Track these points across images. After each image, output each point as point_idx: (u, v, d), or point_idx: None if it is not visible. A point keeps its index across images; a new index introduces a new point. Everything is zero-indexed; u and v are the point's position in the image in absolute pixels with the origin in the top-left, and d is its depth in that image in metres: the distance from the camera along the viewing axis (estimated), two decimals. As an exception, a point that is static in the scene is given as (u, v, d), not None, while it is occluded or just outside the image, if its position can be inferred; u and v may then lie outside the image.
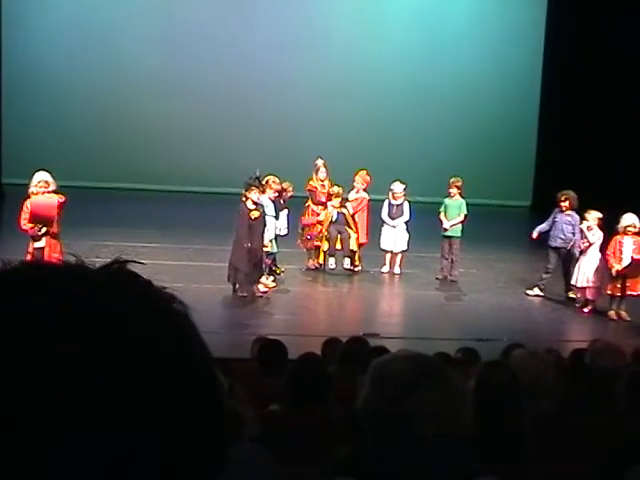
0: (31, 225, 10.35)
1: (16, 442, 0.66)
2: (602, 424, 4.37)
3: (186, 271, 12.33)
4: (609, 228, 11.85)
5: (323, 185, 13.72)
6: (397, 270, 13.64)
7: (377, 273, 13.56)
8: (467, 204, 13.40)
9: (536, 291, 12.66)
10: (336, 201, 13.37)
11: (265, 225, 11.82)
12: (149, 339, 0.72)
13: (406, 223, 13.62)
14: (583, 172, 17.57)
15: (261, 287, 11.83)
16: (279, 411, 4.89)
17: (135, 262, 0.79)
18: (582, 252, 12.00)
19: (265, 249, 11.94)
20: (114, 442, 0.68)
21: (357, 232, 13.42)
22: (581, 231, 12.05)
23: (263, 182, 12.13)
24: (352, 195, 13.81)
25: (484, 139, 21.12)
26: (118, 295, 0.74)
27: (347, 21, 20.99)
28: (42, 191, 10.38)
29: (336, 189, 13.47)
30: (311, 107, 20.85)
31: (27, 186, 10.56)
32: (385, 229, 13.61)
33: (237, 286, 11.71)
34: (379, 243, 13.58)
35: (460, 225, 13.29)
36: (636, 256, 11.46)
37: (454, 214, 13.28)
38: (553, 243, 12.42)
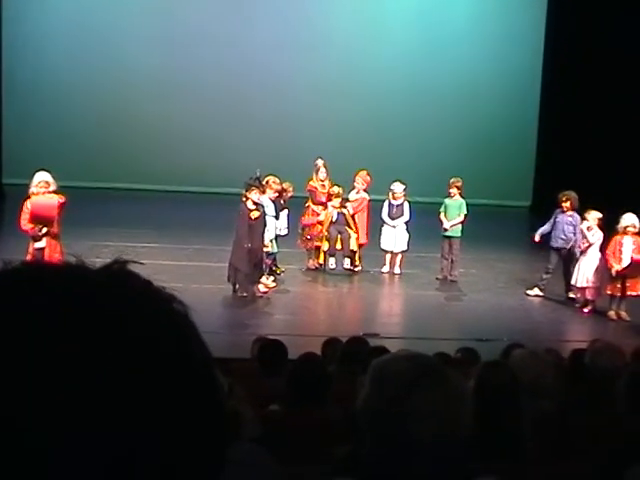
0: (31, 225, 10.35)
1: (16, 442, 0.66)
2: (601, 424, 4.37)
3: (186, 271, 12.33)
4: (609, 228, 11.85)
5: (323, 185, 13.72)
6: (397, 270, 13.64)
7: (377, 273, 13.56)
8: (467, 204, 13.40)
9: (536, 291, 12.66)
10: (336, 201, 13.37)
11: (265, 225, 11.82)
12: (149, 339, 0.72)
13: (406, 223, 13.62)
14: (583, 172, 17.56)
15: (261, 287, 11.83)
16: (279, 411, 4.89)
17: (135, 262, 0.79)
18: (582, 252, 12.00)
19: (265, 249, 11.95)
20: (114, 442, 0.68)
21: (357, 232, 13.42)
22: (581, 231, 12.06)
23: (263, 182, 12.13)
24: (352, 195, 13.81)
25: (484, 139, 21.11)
26: (118, 295, 0.74)
27: (347, 21, 20.98)
28: (42, 191, 10.38)
29: (336, 189, 13.47)
30: (311, 107, 20.85)
31: (27, 186, 10.55)
32: (385, 229, 13.61)
33: (237, 286, 11.71)
34: (379, 243, 13.58)
35: (460, 225, 13.29)
36: (636, 256, 11.46)
37: (454, 214, 13.28)
38: (554, 244, 12.42)
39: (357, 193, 13.79)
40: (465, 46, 21.10)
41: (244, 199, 11.66)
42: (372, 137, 20.66)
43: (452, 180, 13.55)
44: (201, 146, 20.58)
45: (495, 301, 12.27)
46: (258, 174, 12.14)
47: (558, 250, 12.40)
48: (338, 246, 13.32)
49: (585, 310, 11.97)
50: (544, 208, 14.84)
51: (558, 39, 20.50)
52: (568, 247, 12.30)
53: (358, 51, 20.93)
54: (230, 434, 0.79)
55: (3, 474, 0.67)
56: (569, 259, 12.26)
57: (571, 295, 12.38)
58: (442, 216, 13.34)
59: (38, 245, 10.36)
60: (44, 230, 10.35)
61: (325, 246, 13.36)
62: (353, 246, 13.33)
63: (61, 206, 10.39)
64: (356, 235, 13.37)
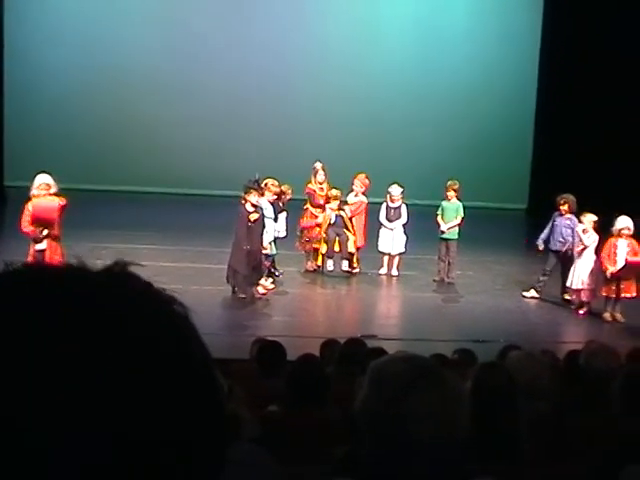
0: (32, 227, 10.34)
1: (16, 442, 0.66)
2: (597, 425, 4.37)
3: (186, 273, 12.33)
4: (604, 231, 11.86)
5: (322, 188, 13.72)
6: (395, 272, 13.64)
7: (375, 275, 13.56)
8: (464, 207, 13.40)
9: (532, 293, 12.67)
10: (334, 204, 13.37)
11: (264, 227, 11.82)
12: (149, 339, 0.72)
13: (404, 226, 13.62)
14: (579, 175, 17.56)
15: (260, 289, 11.82)
16: (278, 412, 4.88)
17: (135, 264, 0.79)
18: (577, 255, 12.01)
19: (264, 251, 11.95)
20: (114, 442, 0.68)
21: (355, 235, 13.42)
22: (576, 234, 12.07)
23: (262, 185, 12.13)
24: (351, 198, 13.81)
25: (481, 143, 21.11)
26: (118, 296, 0.74)
27: (345, 26, 20.98)
28: (43, 194, 10.37)
29: (334, 192, 13.47)
30: (310, 111, 20.85)
31: (29, 189, 10.55)
32: (383, 231, 13.61)
33: (236, 288, 11.70)
34: (377, 245, 13.59)
35: (457, 228, 13.30)
36: (630, 258, 11.47)
37: (451, 217, 13.29)
38: (553, 247, 12.43)
39: (355, 196, 13.79)
40: (461, 50, 21.11)
41: (243, 202, 11.66)
42: (370, 140, 20.66)
43: (449, 183, 13.57)
44: (200, 149, 20.58)
45: (492, 303, 12.27)
46: (257, 177, 12.13)
47: (556, 252, 12.41)
48: (336, 248, 13.32)
49: (580, 312, 11.98)
50: (540, 211, 14.86)
51: (554, 42, 20.49)
52: (564, 249, 12.31)
53: (356, 55, 20.93)
54: (230, 434, 0.78)
55: (3, 474, 0.66)
56: (567, 261, 12.27)
57: (567, 297, 12.39)
58: (439, 218, 13.34)
59: (39, 247, 10.35)
60: (45, 232, 10.34)
61: (323, 248, 13.35)
62: (351, 248, 13.32)
63: (62, 208, 10.39)
64: (354, 237, 13.37)
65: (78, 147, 20.18)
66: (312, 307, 12.28)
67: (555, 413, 4.30)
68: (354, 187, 13.83)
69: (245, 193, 11.67)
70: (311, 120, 20.79)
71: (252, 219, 11.50)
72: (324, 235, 13.30)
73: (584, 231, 11.94)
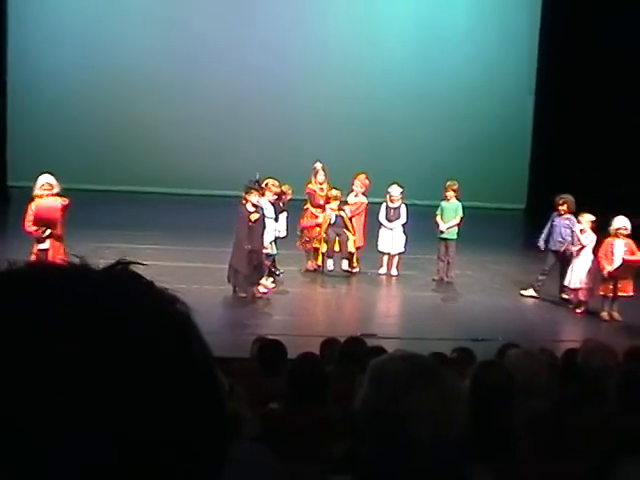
0: (35, 227, 10.34)
1: (16, 442, 0.66)
2: (594, 423, 4.36)
3: (187, 272, 12.32)
4: (602, 231, 11.86)
5: (322, 188, 13.72)
6: (394, 272, 13.63)
7: (375, 275, 13.56)
8: (463, 207, 13.40)
9: (531, 292, 12.67)
10: (334, 204, 13.37)
11: (265, 227, 11.82)
12: (150, 339, 0.71)
13: (403, 225, 13.61)
14: (577, 176, 17.54)
15: (261, 288, 11.82)
16: (278, 410, 4.88)
17: (138, 263, 0.79)
18: (575, 254, 12.02)
19: (265, 251, 11.94)
20: (114, 442, 0.67)
21: (354, 235, 13.42)
22: (574, 233, 12.08)
23: (263, 185, 12.13)
24: (351, 199, 13.81)
25: (480, 144, 21.10)
26: (120, 295, 0.73)
27: (345, 27, 20.98)
28: (46, 194, 10.38)
29: (334, 192, 13.47)
30: (310, 111, 20.85)
31: (32, 189, 10.55)
32: (383, 231, 13.61)
33: (237, 287, 11.70)
34: (377, 245, 13.58)
35: (456, 228, 13.29)
36: (627, 257, 11.48)
37: (450, 217, 13.29)
38: (552, 247, 12.42)
39: (356, 196, 13.79)
40: (460, 50, 21.10)
41: (244, 202, 11.66)
42: (369, 141, 20.66)
43: (448, 183, 13.56)
44: (201, 149, 20.58)
45: (490, 302, 12.26)
46: (257, 177, 12.13)
47: (555, 252, 12.41)
48: (336, 248, 13.31)
49: (578, 311, 11.98)
50: (539, 211, 14.85)
51: (552, 42, 20.47)
52: (563, 249, 12.30)
53: (355, 56, 20.93)
54: (230, 433, 0.78)
55: (3, 474, 0.66)
56: (566, 261, 12.27)
57: (565, 296, 12.39)
58: (438, 219, 13.34)
59: (42, 246, 10.35)
60: (48, 232, 10.35)
61: (323, 248, 13.35)
62: (351, 248, 13.32)
63: (64, 208, 10.39)
64: (354, 237, 13.37)
65: (80, 147, 20.18)
66: (312, 306, 12.28)
67: (553, 411, 4.29)
68: (354, 187, 13.83)
69: (246, 193, 11.66)
70: (311, 120, 20.79)
71: (253, 219, 11.50)
72: (324, 235, 13.30)
73: (582, 231, 11.95)
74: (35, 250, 10.33)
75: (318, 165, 13.94)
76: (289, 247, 13.21)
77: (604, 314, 11.66)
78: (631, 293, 11.59)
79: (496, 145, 21.20)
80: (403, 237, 13.59)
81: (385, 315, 11.94)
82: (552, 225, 12.47)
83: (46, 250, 10.31)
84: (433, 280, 13.29)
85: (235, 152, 20.16)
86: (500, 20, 21.28)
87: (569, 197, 12.52)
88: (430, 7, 21.26)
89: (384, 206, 13.71)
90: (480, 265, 14.29)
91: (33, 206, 10.36)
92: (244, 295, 11.60)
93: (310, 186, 13.79)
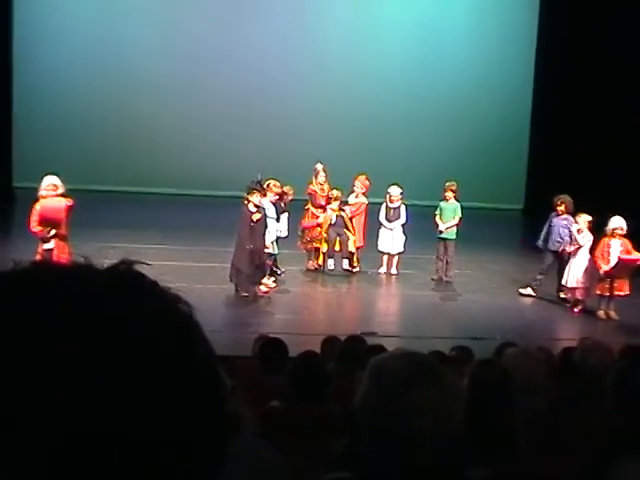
0: (40, 227, 10.35)
1: (16, 442, 0.65)
2: (591, 421, 4.36)
3: (190, 272, 12.32)
4: (599, 231, 11.86)
5: (322, 189, 13.73)
6: (394, 271, 13.63)
7: (374, 274, 13.56)
8: (462, 207, 13.41)
9: (529, 291, 12.67)
10: (335, 204, 13.37)
11: (266, 227, 11.82)
12: (150, 339, 0.71)
13: (403, 226, 13.62)
14: (574, 176, 17.52)
15: (262, 287, 11.83)
16: (279, 408, 4.87)
17: (141, 263, 0.78)
18: (572, 254, 12.02)
19: (266, 250, 11.94)
20: (114, 442, 0.67)
21: (355, 235, 13.42)
22: (571, 233, 12.08)
23: (264, 186, 12.13)
24: (352, 199, 13.82)
25: (478, 145, 21.10)
26: (122, 295, 0.73)
27: (345, 30, 20.97)
28: (51, 194, 10.39)
29: (335, 192, 13.47)
30: (311, 113, 20.85)
31: (37, 189, 10.56)
32: (382, 231, 13.61)
33: (239, 286, 11.70)
34: (377, 245, 13.58)
35: (455, 228, 13.30)
36: (623, 256, 11.47)
37: (449, 217, 13.29)
38: (551, 247, 12.42)
39: (356, 197, 13.80)
40: (458, 52, 21.09)
41: (246, 202, 11.66)
42: (369, 142, 20.65)
43: (447, 184, 13.56)
44: (205, 151, 20.58)
45: (488, 301, 12.26)
46: (259, 178, 12.13)
47: (554, 252, 12.41)
48: (337, 248, 13.32)
49: (575, 309, 11.98)
50: (536, 211, 14.84)
51: (550, 43, 20.43)
52: (560, 249, 12.30)
53: (356, 59, 20.93)
54: (231, 432, 0.77)
55: (3, 474, 0.66)
56: (565, 261, 12.26)
57: (562, 295, 12.39)
58: (437, 219, 13.35)
59: (47, 246, 10.35)
60: (52, 232, 10.35)
61: (324, 248, 13.35)
62: (351, 248, 13.33)
63: (69, 209, 10.39)
64: (354, 237, 13.37)
65: (84, 149, 20.17)
66: (313, 305, 12.28)
67: (550, 409, 4.29)
68: (355, 188, 13.84)
69: (248, 194, 11.67)
70: (312, 123, 20.79)
71: (255, 219, 11.50)
72: (325, 235, 13.30)
73: (579, 231, 11.95)
74: (40, 250, 10.33)
75: (319, 166, 13.95)
76: (290, 247, 13.20)
77: (601, 313, 11.66)
78: (627, 292, 11.59)
79: (494, 146, 21.19)
80: (403, 237, 13.59)
81: (385, 314, 11.94)
82: (550, 225, 12.48)
83: (51, 250, 10.31)
84: (432, 279, 13.28)
85: (237, 153, 20.16)
86: (497, 21, 21.27)
87: (567, 198, 12.52)
88: (429, 10, 21.23)
89: (384, 206, 13.72)
90: (478, 264, 14.29)
91: (38, 206, 10.37)
92: (246, 294, 11.60)
93: (311, 187, 13.80)
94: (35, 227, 10.38)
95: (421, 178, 18.74)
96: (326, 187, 13.73)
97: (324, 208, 13.49)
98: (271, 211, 12.10)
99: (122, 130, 20.42)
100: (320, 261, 13.43)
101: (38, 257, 9.97)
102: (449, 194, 13.43)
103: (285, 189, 12.78)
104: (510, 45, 21.19)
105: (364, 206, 13.71)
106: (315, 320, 11.32)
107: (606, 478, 2.93)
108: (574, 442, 4.07)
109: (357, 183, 13.83)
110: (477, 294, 12.60)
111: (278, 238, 12.48)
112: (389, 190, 13.69)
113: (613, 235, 11.61)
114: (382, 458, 1.81)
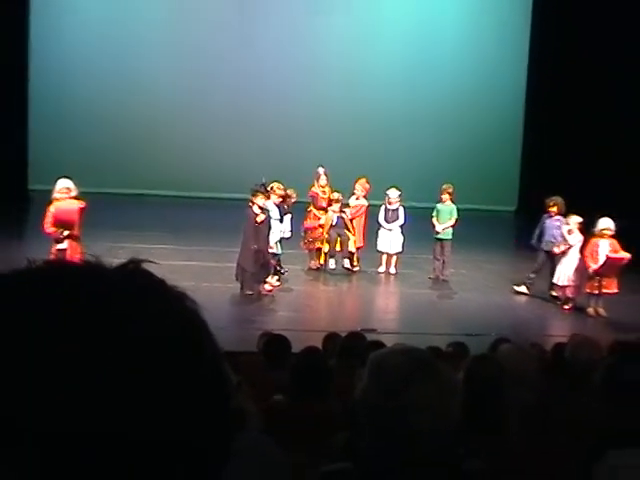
0: (54, 228, 10.35)
1: (16, 442, 0.64)
2: (580, 414, 4.35)
3: (197, 271, 12.31)
4: (589, 231, 11.85)
5: (324, 191, 13.74)
6: (393, 270, 13.63)
7: (374, 273, 13.55)
8: (458, 209, 13.40)
9: (523, 288, 12.65)
10: (336, 206, 13.38)
11: (270, 228, 11.82)
12: (154, 338, 0.69)
13: (401, 226, 13.61)
14: (566, 178, 17.47)
15: (267, 286, 11.83)
16: (282, 402, 4.86)
17: (149, 262, 0.77)
18: (563, 254, 12.02)
19: (271, 250, 11.95)
20: (114, 442, 0.65)
21: (355, 235, 13.42)
22: (561, 234, 12.07)
23: (268, 188, 12.13)
24: (352, 201, 13.82)
25: (473, 149, 21.06)
26: (128, 294, 0.71)
27: (345, 35, 20.92)
28: (64, 197, 10.39)
29: (336, 195, 13.48)
30: (313, 118, 20.84)
31: (51, 192, 10.56)
32: (382, 232, 13.61)
33: (244, 285, 11.69)
34: (376, 245, 13.58)
35: (451, 228, 13.29)
36: (611, 255, 11.46)
37: (446, 218, 13.28)
38: (545, 247, 12.41)
39: (357, 199, 13.79)
40: (451, 57, 21.00)
41: (250, 204, 11.67)
42: (369, 146, 20.63)
43: (444, 186, 13.56)
44: (211, 155, 20.57)
45: (483, 299, 12.25)
46: (263, 181, 12.14)
47: (547, 252, 12.39)
48: (338, 248, 13.32)
49: (566, 307, 11.98)
50: (529, 212, 14.83)
51: (543, 45, 20.30)
52: (554, 249, 12.29)
53: (355, 66, 20.89)
54: (235, 428, 0.76)
55: (3, 474, 0.64)
56: (557, 260, 12.25)
57: (554, 293, 12.38)
58: (434, 220, 13.34)
59: (60, 246, 10.35)
60: (66, 233, 10.35)
61: (326, 248, 13.35)
62: (352, 248, 13.33)
63: (81, 211, 10.40)
64: (354, 238, 13.38)
65: (97, 154, 20.15)
66: (315, 303, 12.27)
67: (541, 403, 4.29)
68: (355, 191, 13.84)
69: (252, 196, 11.67)
70: (314, 128, 20.77)
71: (259, 220, 11.51)
72: (326, 235, 13.30)
73: (569, 232, 11.95)
74: (54, 250, 10.33)
75: (320, 170, 13.97)
76: (293, 247, 13.20)
77: (590, 310, 11.66)
78: (615, 290, 11.59)
79: (488, 150, 21.15)
80: (401, 237, 13.58)
81: (384, 311, 11.93)
82: (543, 226, 12.47)
83: (64, 250, 10.31)
84: (429, 278, 13.28)
85: (242, 157, 20.15)
86: (490, 24, 21.16)
87: (559, 199, 12.51)
88: (426, 18, 21.17)
89: (383, 208, 13.71)
90: (474, 264, 14.27)
91: (52, 208, 10.37)
92: (251, 292, 11.60)
93: (313, 189, 13.80)
94: (49, 228, 10.38)
95: (419, 181, 18.72)
96: (327, 190, 13.73)
97: (325, 210, 13.49)
98: (275, 213, 12.11)
99: (132, 137, 20.38)
100: (322, 261, 13.43)
101: (52, 257, 9.98)
102: (445, 196, 13.42)
103: (288, 192, 12.78)
104: (503, 48, 21.11)
105: (364, 208, 13.71)
106: (317, 317, 11.32)
107: (594, 472, 2.92)
108: (564, 435, 4.07)
109: (358, 186, 13.83)
110: (472, 292, 12.59)
111: (282, 239, 12.48)
112: (388, 192, 13.68)
113: (601, 235, 11.61)
114: (382, 454, 1.80)
